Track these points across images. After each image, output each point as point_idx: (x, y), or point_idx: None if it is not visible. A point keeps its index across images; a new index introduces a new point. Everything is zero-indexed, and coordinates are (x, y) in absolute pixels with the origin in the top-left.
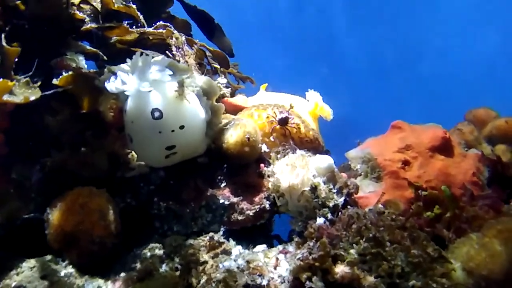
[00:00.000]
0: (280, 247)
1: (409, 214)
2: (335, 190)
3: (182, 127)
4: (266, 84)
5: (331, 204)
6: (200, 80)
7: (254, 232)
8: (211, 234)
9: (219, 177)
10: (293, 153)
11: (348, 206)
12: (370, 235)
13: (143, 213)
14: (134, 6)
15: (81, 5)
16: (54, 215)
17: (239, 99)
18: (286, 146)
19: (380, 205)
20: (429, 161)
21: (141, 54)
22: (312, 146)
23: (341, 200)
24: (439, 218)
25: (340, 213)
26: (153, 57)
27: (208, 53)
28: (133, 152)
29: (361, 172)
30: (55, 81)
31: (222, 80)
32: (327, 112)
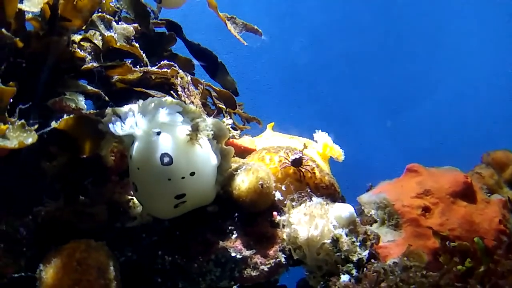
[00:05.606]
0: None
1: (444, 270)
2: (358, 243)
3: (193, 173)
4: (273, 123)
5: (354, 259)
6: (208, 122)
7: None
8: None
9: (229, 227)
10: (309, 200)
11: (372, 260)
12: None
13: (144, 268)
14: (137, 45)
15: (82, 42)
16: (47, 273)
17: (245, 141)
18: (302, 193)
19: (404, 258)
20: (451, 207)
21: (146, 94)
22: (328, 193)
23: (365, 254)
24: (471, 272)
25: (365, 268)
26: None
27: (213, 93)
28: (134, 199)
29: (376, 218)
30: (54, 124)
31: (228, 121)
32: (338, 153)
